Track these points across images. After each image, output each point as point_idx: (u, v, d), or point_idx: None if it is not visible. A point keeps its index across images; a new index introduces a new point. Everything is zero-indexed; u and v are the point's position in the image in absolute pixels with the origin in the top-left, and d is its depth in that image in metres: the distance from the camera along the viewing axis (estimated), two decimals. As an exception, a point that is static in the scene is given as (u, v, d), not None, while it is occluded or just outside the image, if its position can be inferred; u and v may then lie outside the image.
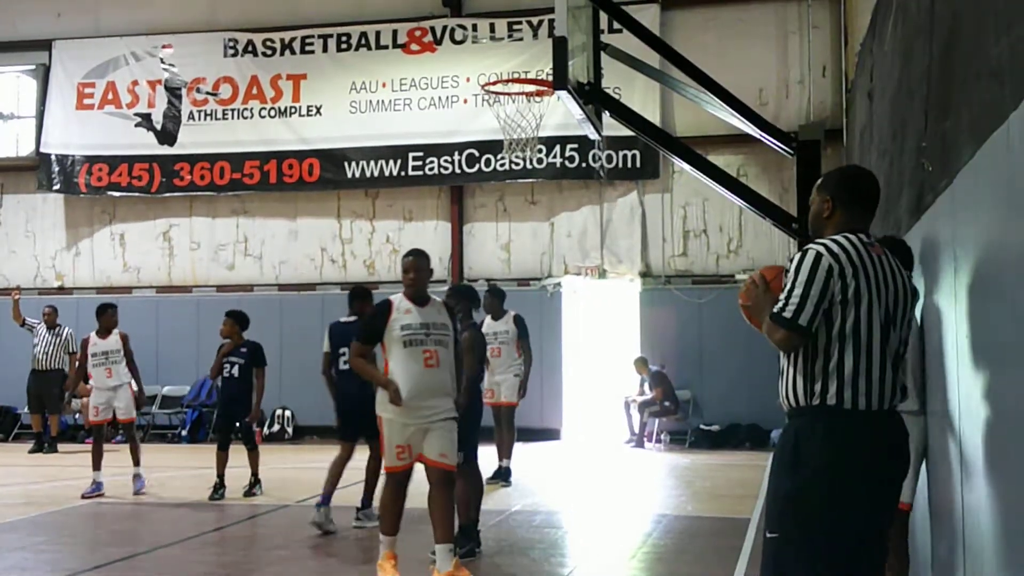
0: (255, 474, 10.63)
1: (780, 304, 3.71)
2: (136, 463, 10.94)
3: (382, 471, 7.07)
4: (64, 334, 15.58)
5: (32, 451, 15.29)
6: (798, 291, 3.68)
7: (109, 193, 17.82)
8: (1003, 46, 3.13)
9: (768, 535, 3.72)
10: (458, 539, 7.06)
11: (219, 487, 10.41)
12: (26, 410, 17.40)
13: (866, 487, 3.63)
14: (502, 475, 11.13)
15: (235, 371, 10.51)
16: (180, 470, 13.18)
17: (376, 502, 8.59)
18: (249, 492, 10.53)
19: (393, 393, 6.46)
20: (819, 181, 4.05)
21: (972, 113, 3.69)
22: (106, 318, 11.12)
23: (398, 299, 6.75)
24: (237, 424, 10.62)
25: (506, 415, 11.34)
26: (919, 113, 5.12)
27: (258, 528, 9.14)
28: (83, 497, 10.46)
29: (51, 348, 15.52)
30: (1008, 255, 3.10)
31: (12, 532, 8.80)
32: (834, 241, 3.76)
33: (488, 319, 11.18)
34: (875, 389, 3.65)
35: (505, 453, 11.28)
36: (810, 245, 3.78)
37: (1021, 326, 2.91)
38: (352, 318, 9.00)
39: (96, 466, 10.69)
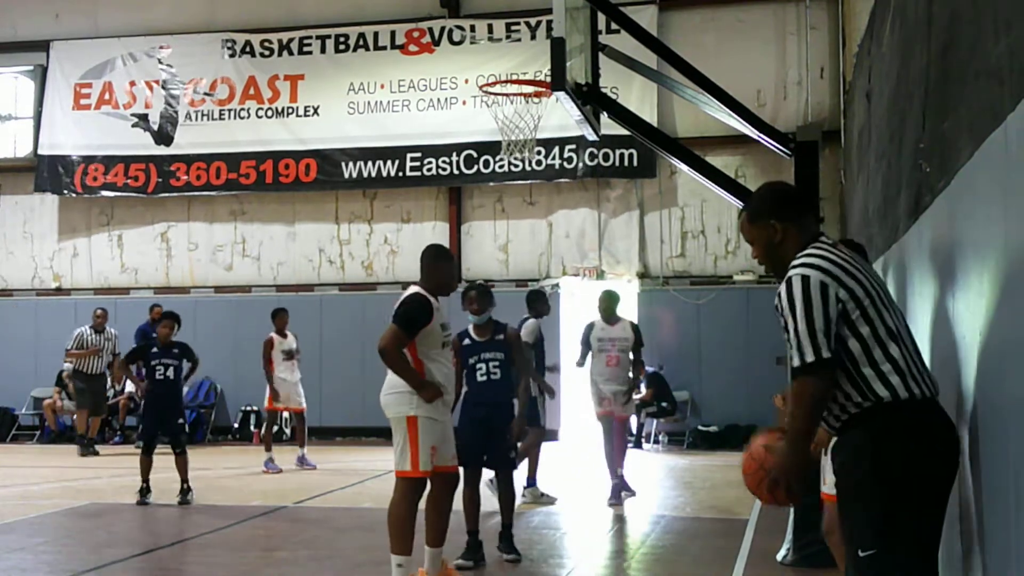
0: (185, 480, 10.27)
1: (796, 354, 3.56)
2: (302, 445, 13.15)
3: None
4: (112, 337, 15.45)
5: (83, 454, 14.83)
6: (803, 327, 3.55)
7: (104, 193, 17.81)
8: (1002, 46, 3.14)
9: (861, 554, 3.49)
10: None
11: (146, 491, 10.22)
12: (24, 411, 17.47)
13: (947, 476, 3.57)
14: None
15: (170, 372, 10.51)
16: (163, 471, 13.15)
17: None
18: (183, 500, 10.18)
19: (433, 391, 6.20)
20: (748, 215, 3.95)
21: (970, 114, 3.69)
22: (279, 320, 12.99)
23: (430, 297, 6.44)
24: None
25: None
26: (917, 114, 5.12)
27: (257, 530, 9.13)
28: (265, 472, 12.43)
29: (100, 352, 15.34)
30: (1006, 255, 3.10)
31: (11, 533, 8.80)
32: (809, 256, 3.68)
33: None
34: (925, 375, 3.62)
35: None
36: (791, 274, 3.65)
37: (1018, 324, 2.91)
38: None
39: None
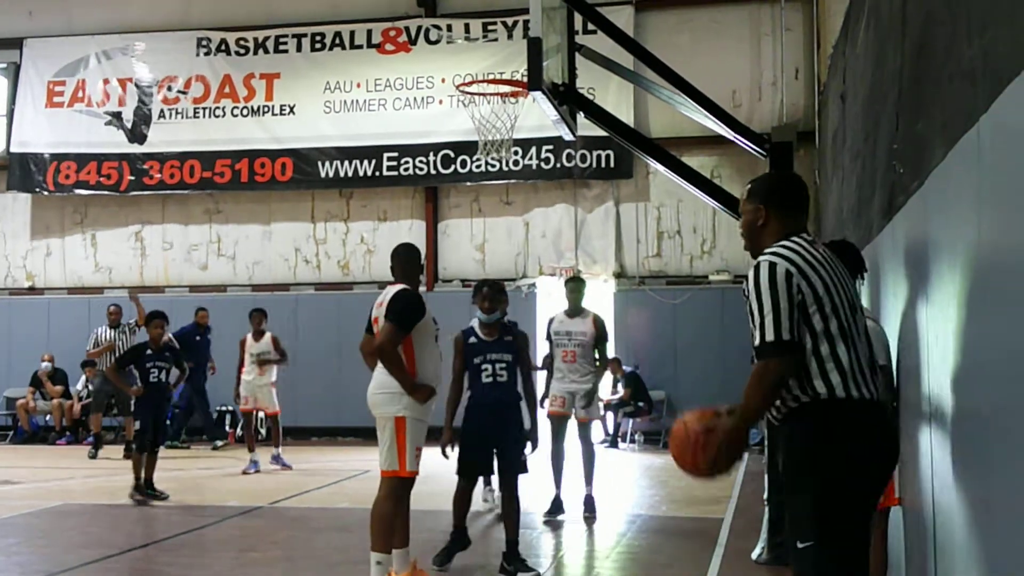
0: (151, 479, 10.31)
1: (757, 333, 3.64)
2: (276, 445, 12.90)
3: (406, 472, 6.29)
4: (127, 330, 15.19)
5: (93, 456, 14.59)
6: (768, 309, 3.63)
7: (77, 191, 17.69)
8: (976, 48, 3.16)
9: (800, 546, 3.59)
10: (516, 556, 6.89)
11: (143, 489, 10.24)
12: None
13: (881, 477, 3.75)
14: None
15: (163, 375, 10.54)
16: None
17: None
18: (152, 496, 10.23)
19: (427, 393, 6.20)
20: (748, 190, 4.03)
21: (944, 115, 3.72)
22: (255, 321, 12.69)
23: (423, 294, 6.54)
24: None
25: None
26: (891, 115, 5.16)
27: (232, 531, 9.08)
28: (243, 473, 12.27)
29: (116, 347, 15.01)
30: (979, 255, 3.13)
31: (-18, 534, 8.73)
32: (781, 247, 3.77)
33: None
34: (869, 378, 3.68)
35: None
36: (760, 259, 3.76)
37: (990, 324, 2.94)
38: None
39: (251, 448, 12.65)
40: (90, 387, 15.86)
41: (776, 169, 7.95)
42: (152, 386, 10.47)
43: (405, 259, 6.61)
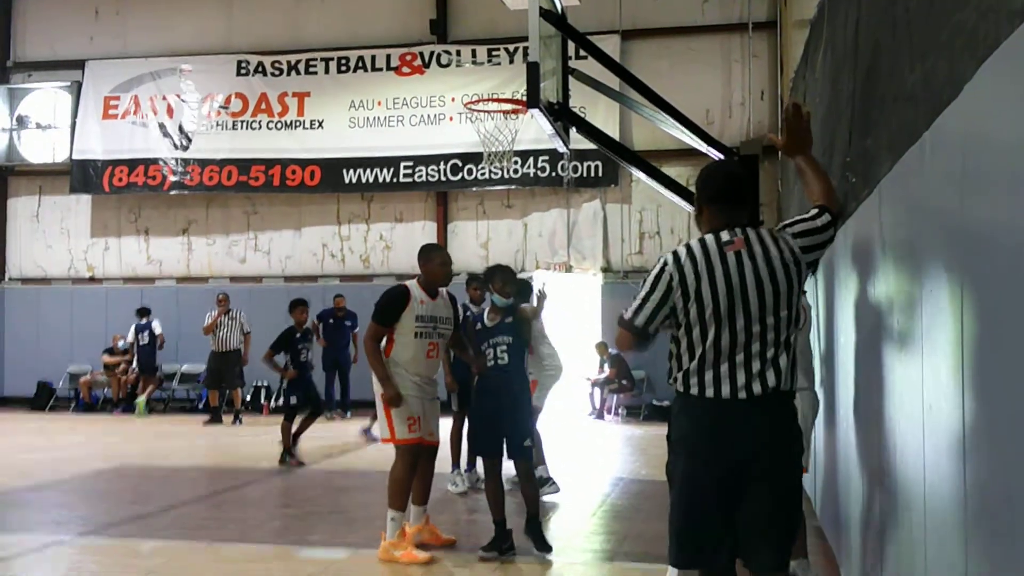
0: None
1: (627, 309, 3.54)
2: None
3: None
4: (239, 317, 15.16)
5: (208, 423, 14.61)
6: (641, 295, 3.50)
7: (127, 192, 17.69)
8: (917, 73, 3.17)
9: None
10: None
11: (290, 450, 10.29)
12: (61, 385, 17.35)
13: (705, 466, 3.36)
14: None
15: (309, 355, 10.68)
16: (198, 437, 13.12)
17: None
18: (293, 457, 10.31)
19: (393, 398, 6.08)
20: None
21: (890, 132, 3.73)
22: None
23: (414, 287, 6.31)
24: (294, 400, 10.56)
25: None
26: (844, 132, 5.17)
27: (267, 489, 9.12)
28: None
29: (229, 331, 15.05)
30: (921, 255, 3.14)
31: (50, 491, 8.76)
32: (687, 247, 3.46)
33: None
34: (719, 380, 3.34)
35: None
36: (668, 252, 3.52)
37: (927, 313, 2.95)
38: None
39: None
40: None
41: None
42: (302, 365, 10.53)
43: (419, 257, 6.54)
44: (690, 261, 3.42)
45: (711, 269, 3.38)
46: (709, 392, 3.35)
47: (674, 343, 3.50)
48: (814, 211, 3.49)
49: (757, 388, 3.32)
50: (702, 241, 3.46)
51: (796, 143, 3.65)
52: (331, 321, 15.32)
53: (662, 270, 3.47)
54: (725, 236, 3.43)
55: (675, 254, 3.46)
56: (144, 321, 16.41)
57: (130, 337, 16.54)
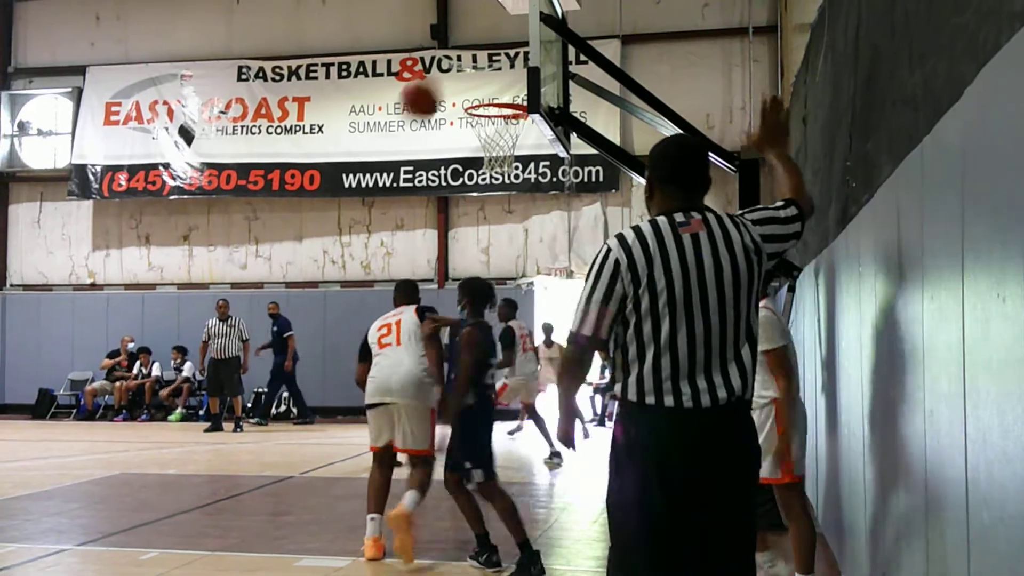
0: None
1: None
2: None
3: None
4: (238, 325, 15.09)
5: (208, 431, 14.47)
6: (584, 295, 3.04)
7: (128, 197, 17.69)
8: (917, 77, 3.16)
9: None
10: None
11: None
12: (62, 391, 17.35)
13: (662, 485, 2.94)
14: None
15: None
16: (198, 444, 13.11)
17: None
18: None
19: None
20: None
21: (890, 136, 3.72)
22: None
23: (387, 317, 7.02)
24: None
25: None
26: (845, 136, 5.16)
27: (267, 497, 9.10)
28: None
29: (226, 339, 14.99)
30: (922, 259, 3.13)
31: (49, 499, 8.74)
32: (635, 228, 3.07)
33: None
34: (677, 385, 2.95)
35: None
36: (613, 236, 3.12)
37: (926, 317, 2.94)
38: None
39: None
40: (196, 372, 16.41)
41: (745, 184, 7.94)
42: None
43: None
44: (639, 243, 3.01)
45: (664, 251, 2.99)
46: (668, 401, 2.94)
47: (620, 351, 3.04)
48: (780, 203, 3.31)
49: (722, 394, 2.93)
50: (653, 222, 3.08)
51: (770, 137, 3.58)
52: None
53: (606, 256, 3.04)
54: (680, 217, 3.08)
55: (620, 236, 3.06)
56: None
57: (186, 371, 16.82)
